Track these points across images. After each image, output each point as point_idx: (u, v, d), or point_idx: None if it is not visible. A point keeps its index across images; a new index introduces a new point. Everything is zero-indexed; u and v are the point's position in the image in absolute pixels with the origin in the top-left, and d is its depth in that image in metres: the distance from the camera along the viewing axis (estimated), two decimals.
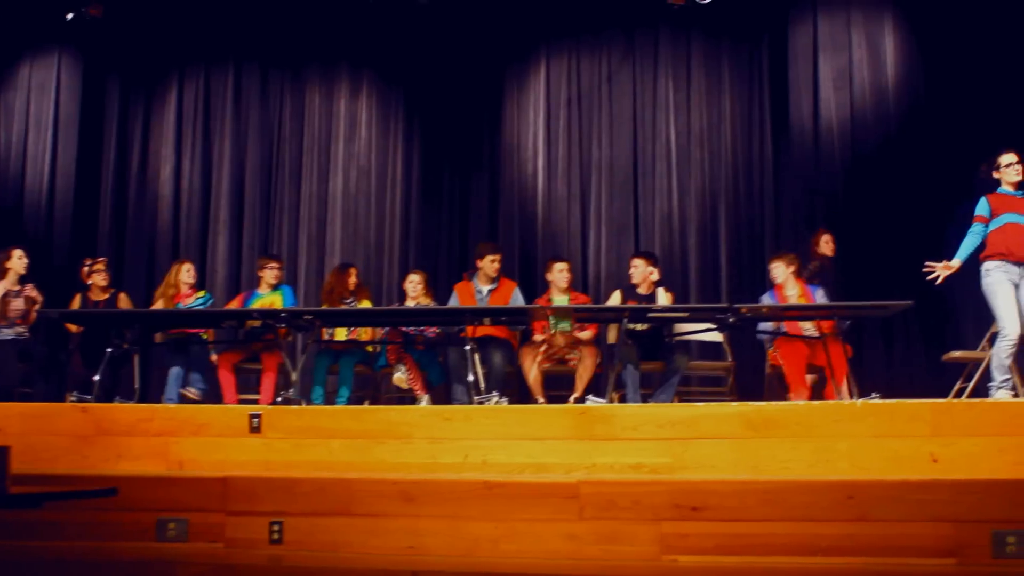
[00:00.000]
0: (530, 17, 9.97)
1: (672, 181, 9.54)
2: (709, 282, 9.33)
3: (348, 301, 7.64)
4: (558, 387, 7.49)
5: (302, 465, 5.58)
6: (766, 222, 9.34)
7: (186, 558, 4.70)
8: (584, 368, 7.05)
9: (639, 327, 7.08)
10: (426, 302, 7.69)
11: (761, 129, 9.52)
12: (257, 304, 7.61)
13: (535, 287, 8.39)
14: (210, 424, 5.85)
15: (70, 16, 9.81)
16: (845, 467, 5.13)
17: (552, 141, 9.91)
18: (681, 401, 7.06)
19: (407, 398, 7.41)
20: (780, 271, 7.28)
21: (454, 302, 7.55)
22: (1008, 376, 5.97)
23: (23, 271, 7.55)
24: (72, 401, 6.59)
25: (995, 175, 6.24)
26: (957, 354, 6.95)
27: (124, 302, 7.96)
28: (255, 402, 7.24)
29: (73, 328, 7.79)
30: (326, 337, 7.58)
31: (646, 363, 7.04)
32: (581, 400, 6.58)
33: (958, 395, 6.70)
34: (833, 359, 6.55)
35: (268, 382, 7.36)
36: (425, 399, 7.17)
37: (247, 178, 10.27)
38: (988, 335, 6.63)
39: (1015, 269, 6.01)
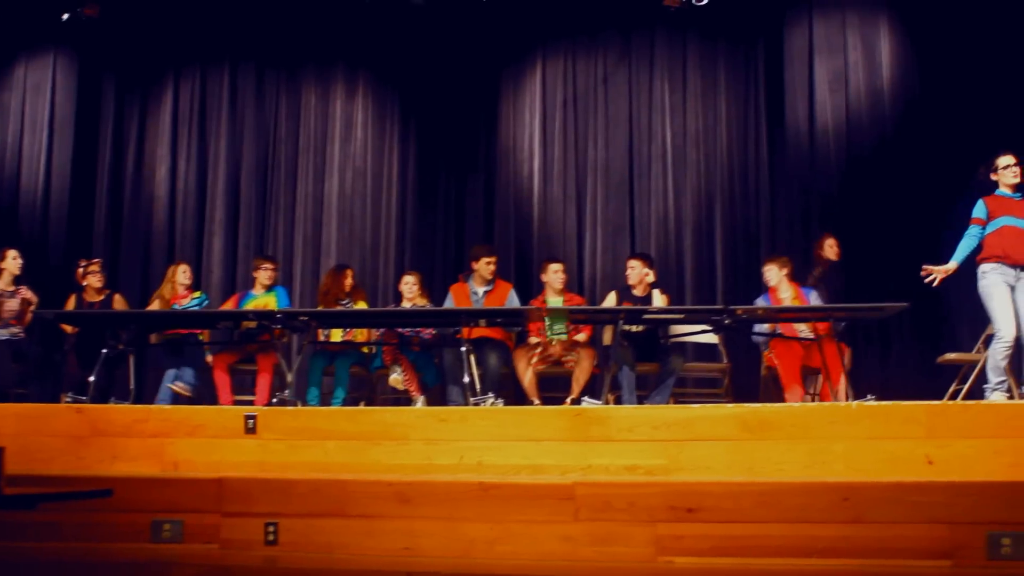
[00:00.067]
0: (526, 18, 9.97)
1: (668, 182, 9.55)
2: (705, 284, 9.34)
3: (344, 302, 7.64)
4: (553, 388, 7.50)
5: (298, 466, 5.58)
6: (762, 223, 9.35)
7: (181, 559, 4.70)
8: (580, 370, 7.06)
9: (635, 329, 7.08)
10: (422, 303, 7.69)
11: (757, 131, 9.53)
12: (251, 305, 7.60)
13: (531, 288, 8.39)
14: (205, 425, 5.84)
15: (66, 16, 9.80)
16: (840, 469, 5.14)
17: (548, 142, 9.92)
18: (677, 403, 7.07)
19: (403, 399, 7.42)
20: (773, 274, 7.29)
21: (450, 304, 7.55)
22: (1003, 378, 5.98)
23: (17, 272, 7.55)
24: (67, 402, 6.56)
25: (993, 177, 6.25)
26: (952, 356, 6.97)
27: (119, 303, 7.95)
28: (251, 403, 7.24)
29: (68, 329, 7.78)
30: (322, 338, 7.57)
31: (642, 364, 7.04)
32: (577, 401, 6.59)
33: (953, 397, 6.72)
34: (828, 360, 6.56)
35: (264, 383, 7.36)
36: (421, 400, 7.17)
37: (243, 179, 10.26)
38: (983, 337, 6.65)
39: (1011, 271, 6.02)
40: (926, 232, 7.98)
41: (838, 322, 6.78)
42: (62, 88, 10.21)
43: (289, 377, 6.71)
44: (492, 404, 6.24)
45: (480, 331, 7.11)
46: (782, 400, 6.72)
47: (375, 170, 10.18)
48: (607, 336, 7.35)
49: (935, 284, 6.24)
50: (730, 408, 5.55)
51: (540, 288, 7.70)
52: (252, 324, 7.02)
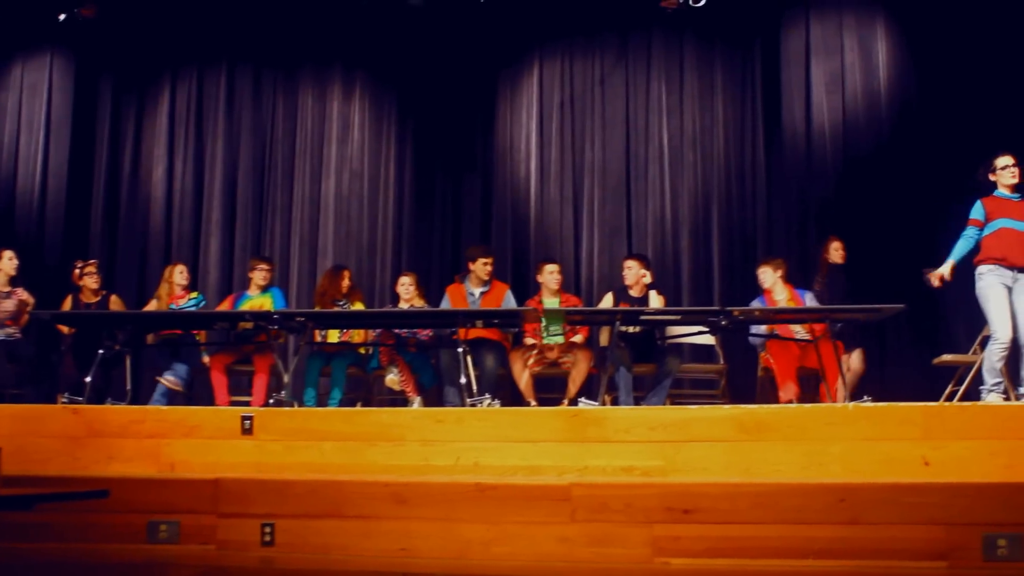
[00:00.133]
0: (523, 19, 9.97)
1: (665, 184, 9.56)
2: (702, 285, 9.34)
3: (341, 303, 7.63)
4: (550, 389, 7.50)
5: (294, 467, 5.58)
6: (758, 225, 9.36)
7: (177, 560, 4.69)
8: (577, 371, 7.07)
9: (632, 330, 7.08)
10: (419, 304, 7.69)
11: (753, 132, 9.54)
12: (247, 306, 7.60)
13: (527, 290, 8.39)
14: (202, 426, 5.84)
15: (62, 17, 9.80)
16: (837, 470, 5.14)
17: (545, 143, 9.92)
18: (673, 404, 7.07)
19: (399, 400, 7.41)
20: (768, 276, 7.30)
21: (446, 304, 7.54)
22: (999, 379, 5.99)
23: (13, 272, 7.55)
24: (63, 403, 6.56)
25: (991, 177, 6.25)
26: (948, 358, 6.97)
27: (116, 304, 7.94)
28: (247, 404, 7.23)
29: (65, 330, 7.77)
30: (319, 339, 7.57)
31: (638, 366, 7.04)
32: (574, 403, 6.59)
33: (950, 398, 6.72)
34: (825, 361, 6.56)
35: (260, 384, 7.36)
36: (417, 401, 7.17)
37: (240, 179, 10.26)
38: (979, 339, 6.65)
39: (1009, 273, 6.03)
40: (923, 234, 7.99)
41: (834, 323, 6.78)
42: (59, 88, 10.21)
43: (286, 378, 6.71)
44: (489, 405, 6.25)
45: (477, 332, 7.11)
46: (777, 399, 6.73)
47: (372, 171, 10.18)
48: (604, 337, 7.35)
49: (935, 286, 6.24)
50: (727, 409, 5.55)
51: (537, 289, 7.70)
52: (249, 325, 7.02)
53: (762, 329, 7.11)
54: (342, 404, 7.29)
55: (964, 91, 8.52)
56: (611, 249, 9.52)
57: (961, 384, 6.74)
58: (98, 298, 7.87)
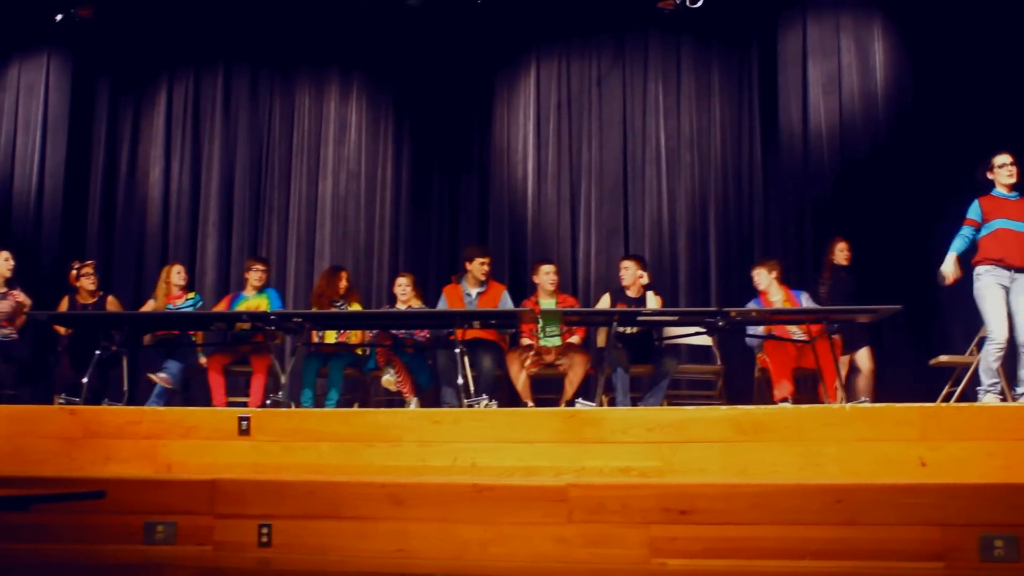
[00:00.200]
0: (521, 20, 9.97)
1: (662, 185, 9.56)
2: (699, 286, 9.34)
3: (338, 304, 7.63)
4: (547, 390, 7.49)
5: (291, 468, 5.57)
6: (755, 226, 9.36)
7: (174, 561, 4.69)
8: (574, 373, 7.07)
9: (629, 330, 7.09)
10: (416, 305, 7.69)
11: (751, 133, 9.54)
12: (242, 306, 7.60)
13: (525, 291, 8.38)
14: (199, 426, 5.83)
15: (59, 17, 9.78)
16: (834, 471, 5.15)
17: (542, 144, 9.92)
18: (670, 404, 7.07)
19: (396, 401, 7.41)
20: (763, 278, 7.31)
21: (443, 305, 7.54)
22: (996, 380, 6.00)
23: (8, 274, 7.53)
24: (60, 403, 6.56)
25: (989, 176, 6.25)
26: (945, 359, 6.98)
27: (112, 304, 7.94)
28: (244, 404, 7.23)
29: (61, 330, 7.76)
30: (316, 340, 7.57)
31: (635, 366, 7.04)
32: (571, 404, 6.58)
33: (946, 399, 6.72)
34: (822, 361, 6.57)
35: (257, 384, 7.35)
36: (414, 402, 7.17)
37: (236, 180, 10.25)
38: (976, 340, 6.66)
39: (1006, 274, 6.03)
40: (919, 235, 7.99)
41: (831, 324, 6.79)
42: (56, 89, 10.20)
43: (283, 379, 6.71)
44: (486, 406, 6.25)
45: (474, 333, 7.11)
46: (772, 398, 6.73)
47: (369, 172, 10.17)
48: (601, 338, 7.36)
49: (950, 283, 6.23)
50: (724, 410, 5.56)
51: (533, 290, 7.70)
52: (246, 326, 7.01)
53: (759, 330, 7.11)
54: (339, 405, 7.28)
55: (961, 92, 8.53)
56: (608, 250, 9.52)
57: (958, 385, 6.73)
58: (95, 299, 7.86)
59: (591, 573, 4.44)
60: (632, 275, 7.34)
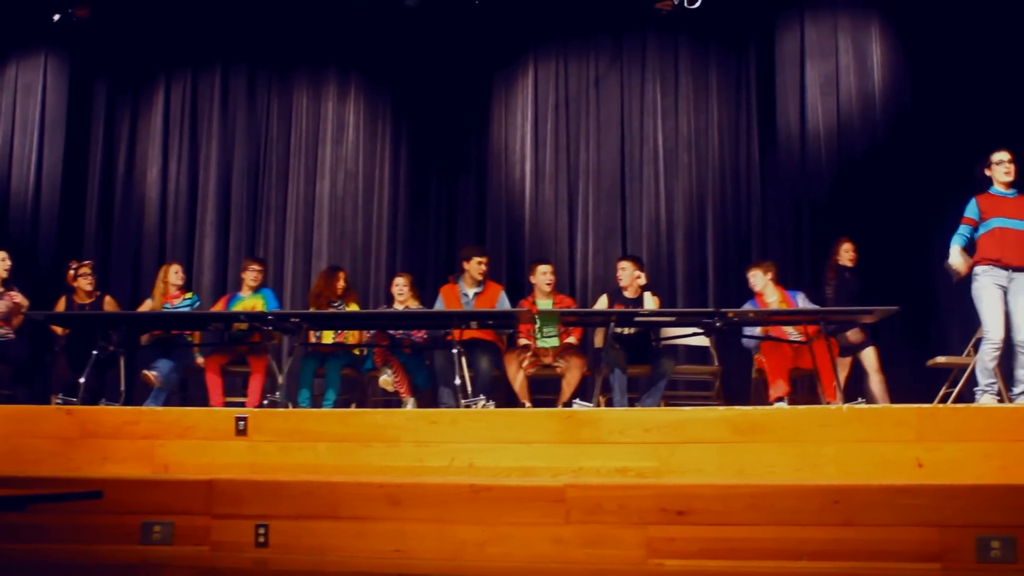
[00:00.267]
0: (518, 21, 9.97)
1: (659, 185, 9.56)
2: (696, 286, 9.34)
3: (336, 304, 7.63)
4: (544, 391, 7.49)
5: (288, 468, 5.57)
6: (753, 227, 9.36)
7: (171, 561, 4.69)
8: (571, 374, 7.07)
9: (626, 331, 7.09)
10: (413, 305, 7.69)
11: (748, 134, 9.54)
12: (239, 307, 7.60)
13: (522, 291, 8.39)
14: (196, 427, 5.83)
15: (57, 17, 9.77)
16: (831, 472, 5.15)
17: (540, 145, 9.92)
18: (668, 405, 7.08)
19: (394, 401, 7.41)
20: (758, 279, 7.31)
21: (440, 305, 7.54)
22: (993, 380, 6.00)
23: (5, 274, 7.52)
24: (57, 403, 6.55)
25: (987, 173, 6.24)
26: (942, 360, 6.98)
27: (110, 305, 7.93)
28: (241, 405, 7.23)
29: (59, 330, 7.76)
30: (313, 340, 7.56)
31: (633, 367, 7.04)
32: (568, 405, 6.58)
33: (944, 400, 6.73)
34: (819, 362, 6.57)
35: (255, 385, 7.35)
36: (411, 402, 7.16)
37: (234, 180, 10.24)
38: (973, 340, 6.66)
39: (1003, 273, 6.03)
40: (917, 235, 7.99)
41: (828, 325, 6.80)
42: (53, 89, 10.18)
43: (280, 379, 6.71)
44: (483, 406, 6.25)
45: (471, 333, 7.11)
46: (768, 398, 6.74)
47: (367, 172, 10.17)
48: (598, 338, 7.36)
49: (961, 276, 6.23)
50: (721, 411, 5.56)
51: (531, 290, 7.70)
52: (244, 326, 7.01)
53: (755, 331, 7.11)
54: (336, 405, 7.28)
55: (958, 93, 8.53)
56: (606, 250, 9.52)
57: (955, 386, 6.74)
58: (92, 299, 7.85)
59: (588, 573, 4.44)
60: (629, 275, 7.34)
